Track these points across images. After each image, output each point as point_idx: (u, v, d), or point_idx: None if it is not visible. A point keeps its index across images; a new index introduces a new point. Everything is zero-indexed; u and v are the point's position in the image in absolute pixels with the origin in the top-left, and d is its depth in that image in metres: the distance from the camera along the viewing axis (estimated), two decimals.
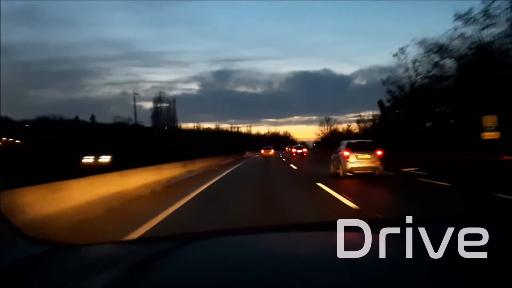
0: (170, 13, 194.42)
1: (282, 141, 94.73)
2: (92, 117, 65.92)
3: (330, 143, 61.31)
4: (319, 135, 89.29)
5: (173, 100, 73.42)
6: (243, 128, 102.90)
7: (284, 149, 53.80)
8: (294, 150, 40.17)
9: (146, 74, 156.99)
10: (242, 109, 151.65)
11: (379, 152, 13.31)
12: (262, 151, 44.18)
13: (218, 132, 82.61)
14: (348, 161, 13.14)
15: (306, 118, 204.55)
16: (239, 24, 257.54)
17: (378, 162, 13.14)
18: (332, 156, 15.61)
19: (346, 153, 13.33)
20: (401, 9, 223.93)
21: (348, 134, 66.08)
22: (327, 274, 0.88)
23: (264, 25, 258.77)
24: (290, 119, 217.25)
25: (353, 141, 14.69)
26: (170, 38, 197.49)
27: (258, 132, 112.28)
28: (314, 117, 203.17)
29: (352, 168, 13.10)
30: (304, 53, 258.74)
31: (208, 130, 79.77)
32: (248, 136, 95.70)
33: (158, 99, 71.21)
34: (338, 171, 13.93)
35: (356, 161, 13.15)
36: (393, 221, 1.37)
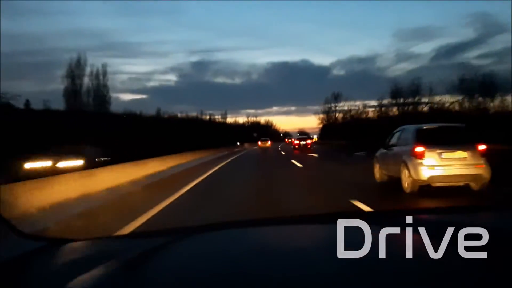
0: (147, 3, 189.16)
1: (264, 132, 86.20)
2: (27, 102, 40.36)
3: (339, 133, 52.38)
4: (320, 122, 71.31)
5: (102, 71, 46.07)
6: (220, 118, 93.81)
7: (284, 140, 53.19)
8: (296, 141, 33.00)
9: (122, 65, 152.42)
10: (221, 100, 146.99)
11: (481, 147, 7.10)
12: (259, 143, 45.16)
13: (193, 120, 73.09)
14: (423, 164, 6.95)
15: (285, 108, 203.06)
16: (217, 14, 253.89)
17: (482, 166, 6.94)
18: (378, 153, 9.34)
19: (419, 149, 7.08)
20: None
21: (369, 120, 49.43)
22: (323, 269, 0.87)
23: (242, 15, 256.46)
24: (269, 110, 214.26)
25: (429, 125, 8.17)
26: (147, 28, 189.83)
27: (235, 121, 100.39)
28: (293, 108, 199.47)
29: (432, 178, 6.89)
30: (282, 44, 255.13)
31: (174, 118, 66.56)
32: (225, 125, 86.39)
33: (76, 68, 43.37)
34: (394, 177, 7.87)
35: (440, 164, 6.95)
36: (393, 220, 1.36)
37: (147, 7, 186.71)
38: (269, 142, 44.91)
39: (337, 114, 64.88)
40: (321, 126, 70.51)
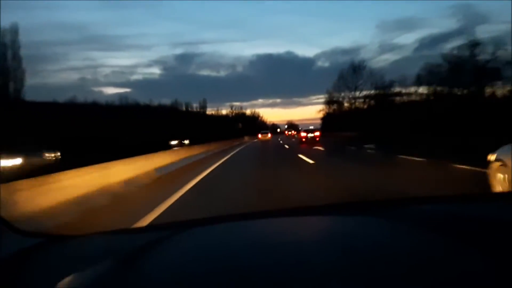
0: None
1: (250, 124, 79.98)
2: None
3: (345, 123, 45.27)
4: (322, 111, 63.72)
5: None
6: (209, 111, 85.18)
7: (284, 133, 51.67)
8: (303, 134, 30.32)
9: (105, 58, 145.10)
10: (205, 93, 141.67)
11: None
12: (260, 135, 46.58)
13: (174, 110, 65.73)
14: None
15: (270, 101, 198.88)
16: (200, 6, 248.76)
17: None
18: (502, 152, 4.42)
19: None
20: None
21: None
22: (323, 261, 0.83)
23: (226, 7, 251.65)
24: (254, 102, 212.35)
25: None
26: (130, 21, 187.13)
27: (217, 112, 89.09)
28: (278, 100, 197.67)
29: None
30: (267, 36, 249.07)
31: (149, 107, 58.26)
32: (205, 116, 76.89)
33: None
34: None
35: None
36: (394, 211, 1.32)
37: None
38: (269, 135, 47.08)
39: (345, 103, 54.59)
40: (322, 116, 63.44)
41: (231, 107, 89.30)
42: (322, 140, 29.29)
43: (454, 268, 0.75)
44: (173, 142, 37.56)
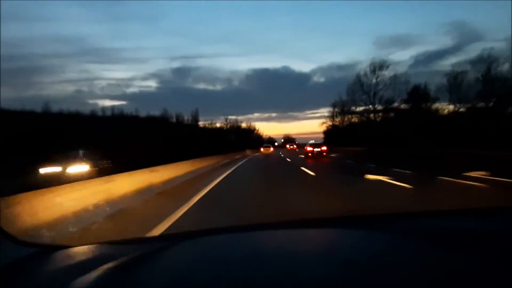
0: (127, 9, 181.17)
1: (245, 137, 75.66)
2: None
3: (352, 138, 41.73)
4: (325, 123, 59.57)
5: None
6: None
7: (285, 146, 51.66)
8: (309, 148, 27.17)
9: (101, 71, 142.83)
10: (201, 107, 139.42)
11: None
12: (262, 149, 47.02)
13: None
14: None
15: (266, 115, 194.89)
16: (197, 20, 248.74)
17: None
18: None
19: None
20: (359, 7, 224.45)
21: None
22: (322, 273, 0.83)
23: (222, 21, 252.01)
24: (250, 116, 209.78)
25: None
26: (127, 35, 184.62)
27: (211, 124, 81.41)
28: (274, 114, 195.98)
29: None
30: (263, 50, 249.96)
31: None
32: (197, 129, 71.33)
33: None
34: None
35: None
36: (393, 225, 1.34)
37: (127, 13, 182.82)
38: (271, 149, 47.85)
39: (351, 117, 49.14)
40: (325, 129, 59.76)
41: (226, 119, 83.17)
42: (330, 156, 26.00)
43: (452, 280, 0.76)
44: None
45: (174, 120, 70.76)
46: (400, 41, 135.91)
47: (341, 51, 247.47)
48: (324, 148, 26.59)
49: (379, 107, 43.20)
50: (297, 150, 53.39)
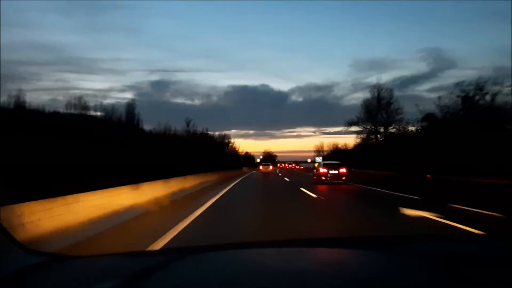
0: (107, 19, 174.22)
1: (220, 152, 67.56)
2: None
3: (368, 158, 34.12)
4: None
5: None
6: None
7: (282, 166, 46.35)
8: (323, 169, 19.84)
9: (78, 81, 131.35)
10: (179, 121, 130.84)
11: None
12: (261, 167, 45.44)
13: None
14: None
15: (243, 131, 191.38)
16: (178, 34, 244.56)
17: None
18: None
19: None
20: (338, 30, 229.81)
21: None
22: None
23: (203, 37, 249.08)
24: (227, 132, 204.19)
25: None
26: (106, 45, 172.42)
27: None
28: (251, 131, 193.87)
29: None
30: (243, 68, 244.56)
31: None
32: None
33: None
34: None
35: None
36: (389, 240, 1.41)
37: (106, 23, 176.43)
38: (270, 167, 45.86)
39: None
40: (333, 148, 56.11)
41: (187, 123, 57.58)
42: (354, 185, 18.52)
43: None
44: None
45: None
46: (377, 65, 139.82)
47: (319, 72, 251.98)
48: (343, 170, 19.67)
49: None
50: (295, 169, 49.75)
